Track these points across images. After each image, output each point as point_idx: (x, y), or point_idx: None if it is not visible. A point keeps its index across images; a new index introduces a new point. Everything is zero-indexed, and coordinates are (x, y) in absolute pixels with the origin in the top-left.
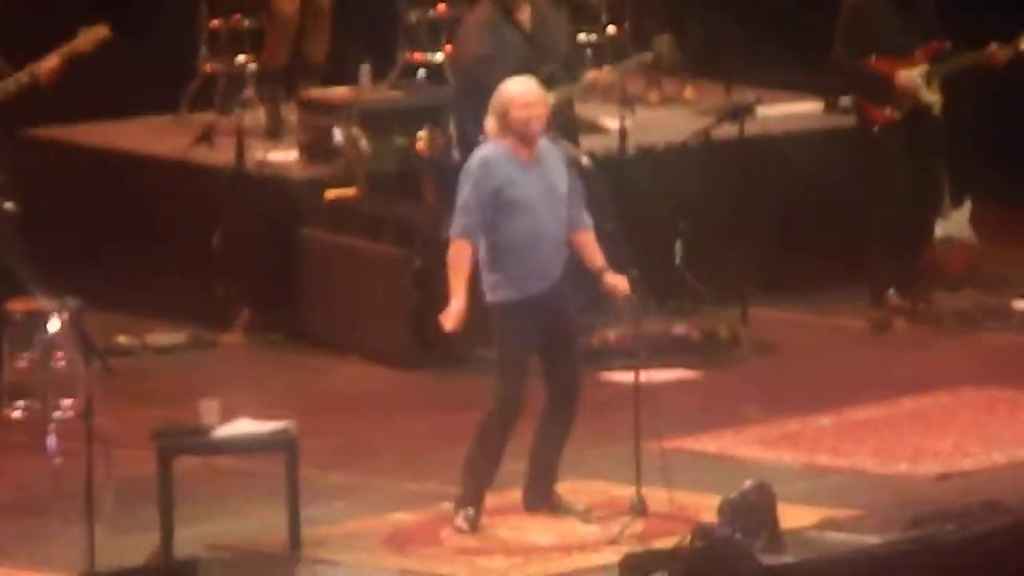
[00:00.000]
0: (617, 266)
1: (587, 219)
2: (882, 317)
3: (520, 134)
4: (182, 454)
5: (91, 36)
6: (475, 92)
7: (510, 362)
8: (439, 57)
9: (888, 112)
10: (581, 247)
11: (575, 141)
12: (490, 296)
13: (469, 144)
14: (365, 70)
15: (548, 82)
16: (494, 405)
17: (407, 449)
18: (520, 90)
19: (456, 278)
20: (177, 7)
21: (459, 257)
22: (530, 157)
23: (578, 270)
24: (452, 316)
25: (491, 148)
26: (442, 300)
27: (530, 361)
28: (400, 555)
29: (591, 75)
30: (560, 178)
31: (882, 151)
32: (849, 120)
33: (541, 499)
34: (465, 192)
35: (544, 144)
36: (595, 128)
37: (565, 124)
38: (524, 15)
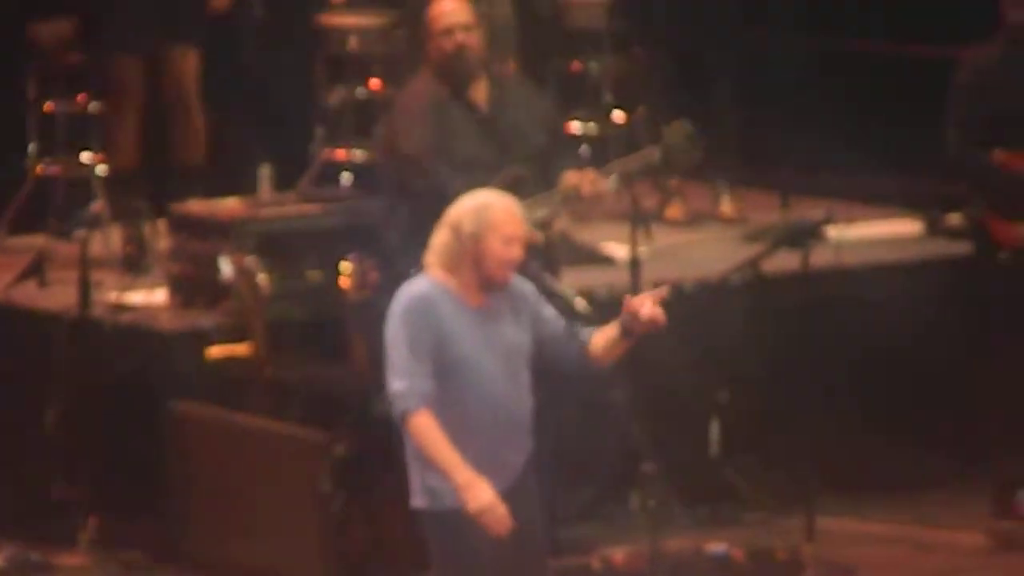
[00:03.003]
0: (628, 456)
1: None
2: (1009, 530)
3: (491, 277)
4: None
5: None
6: (407, 200)
7: None
8: (371, 154)
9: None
10: (595, 348)
11: (555, 275)
12: (421, 501)
13: (397, 277)
14: (265, 174)
15: (514, 189)
16: None
17: None
18: (505, 215)
19: (448, 453)
20: None
21: (435, 431)
22: (482, 304)
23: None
24: (493, 513)
25: (428, 285)
26: (375, 505)
27: None
28: None
29: (569, 179)
30: (522, 331)
31: (1011, 289)
32: (961, 246)
33: None
34: (402, 345)
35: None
36: (595, 257)
37: (546, 253)
38: (480, 92)
